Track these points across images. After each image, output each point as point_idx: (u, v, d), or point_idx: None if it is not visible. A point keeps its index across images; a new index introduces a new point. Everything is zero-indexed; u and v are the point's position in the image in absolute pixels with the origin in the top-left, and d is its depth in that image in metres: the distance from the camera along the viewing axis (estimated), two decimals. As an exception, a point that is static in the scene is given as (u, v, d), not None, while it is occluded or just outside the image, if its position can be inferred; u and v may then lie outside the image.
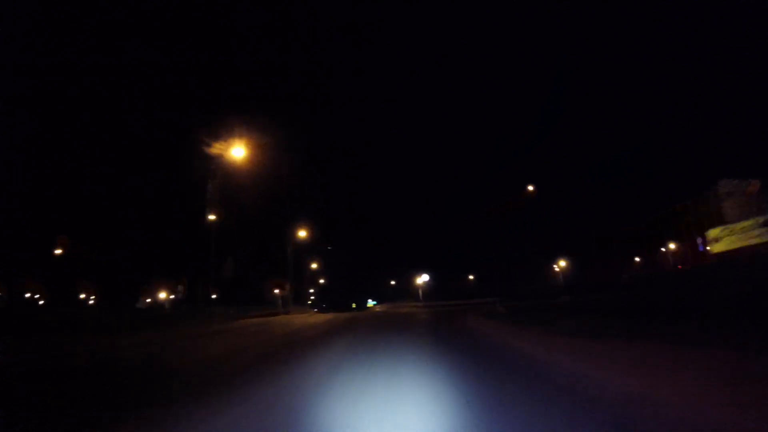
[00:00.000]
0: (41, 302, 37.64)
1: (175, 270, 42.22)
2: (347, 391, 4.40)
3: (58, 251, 35.39)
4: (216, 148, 20.46)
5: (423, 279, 57.13)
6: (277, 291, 41.27)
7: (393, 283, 62.57)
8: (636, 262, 54.43)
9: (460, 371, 5.28)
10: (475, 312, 18.70)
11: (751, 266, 20.33)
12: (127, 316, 22.81)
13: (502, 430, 3.02)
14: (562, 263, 53.27)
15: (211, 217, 22.16)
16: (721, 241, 39.63)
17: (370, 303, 52.06)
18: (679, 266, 42.85)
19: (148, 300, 46.39)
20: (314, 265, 49.00)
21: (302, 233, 38.16)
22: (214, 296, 27.07)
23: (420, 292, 56.82)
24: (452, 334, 10.93)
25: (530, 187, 42.26)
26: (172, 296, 46.79)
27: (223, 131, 20.54)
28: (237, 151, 20.37)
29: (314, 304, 51.26)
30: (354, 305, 46.10)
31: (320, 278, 53.43)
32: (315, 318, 25.98)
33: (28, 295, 36.83)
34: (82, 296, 44.30)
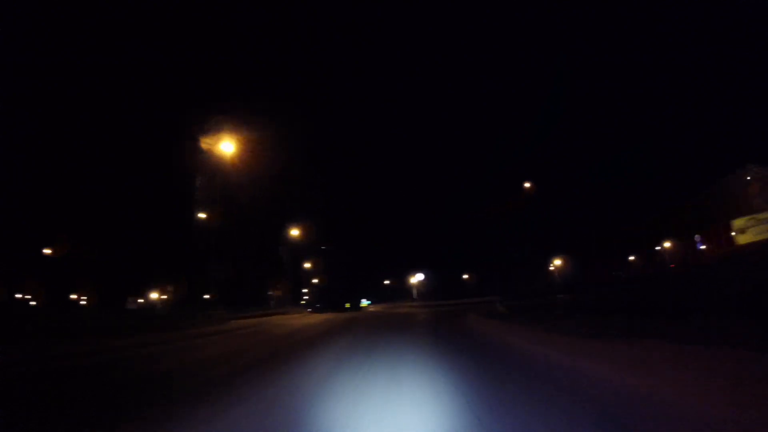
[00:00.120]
0: (32, 303, 37.10)
1: (174, 270, 42.13)
2: (347, 391, 4.40)
3: (47, 251, 35.24)
4: (206, 143, 20.04)
5: (418, 278, 57.01)
6: (274, 292, 41.19)
7: (391, 282, 62.60)
8: (636, 261, 54.48)
9: (460, 371, 5.28)
10: (475, 311, 18.67)
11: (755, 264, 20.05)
12: (125, 317, 22.82)
13: (502, 430, 3.02)
14: (562, 262, 53.27)
15: (202, 215, 22.02)
16: (747, 231, 37.97)
17: (364, 303, 51.74)
18: (672, 265, 42.52)
19: (140, 300, 46.05)
20: (307, 265, 48.86)
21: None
22: (206, 297, 26.95)
23: (414, 291, 56.78)
24: (452, 334, 10.93)
25: (528, 184, 41.98)
26: (164, 296, 46.51)
27: (221, 129, 20.27)
28: (226, 146, 19.36)
29: (308, 304, 51.00)
30: (348, 305, 45.77)
31: (314, 278, 53.27)
32: (311, 318, 25.99)
33: (19, 296, 36.38)
34: (74, 297, 43.92)
